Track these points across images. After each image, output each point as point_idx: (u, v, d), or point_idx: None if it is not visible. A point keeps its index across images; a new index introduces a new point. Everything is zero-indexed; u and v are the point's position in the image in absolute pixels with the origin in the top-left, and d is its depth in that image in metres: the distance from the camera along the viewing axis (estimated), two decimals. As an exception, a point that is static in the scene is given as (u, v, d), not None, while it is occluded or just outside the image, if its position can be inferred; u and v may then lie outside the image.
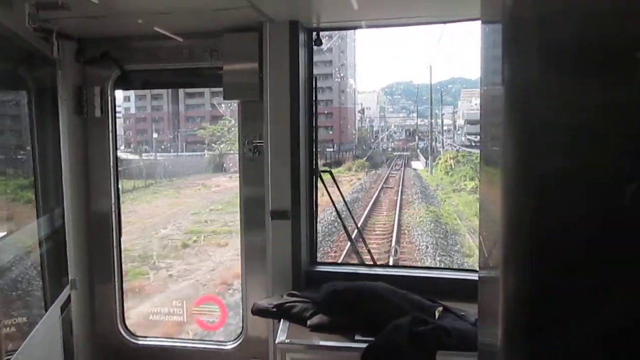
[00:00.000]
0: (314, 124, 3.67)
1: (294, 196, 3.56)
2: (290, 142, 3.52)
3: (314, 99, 3.66)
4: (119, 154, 4.03)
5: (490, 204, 1.72)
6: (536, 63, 1.42)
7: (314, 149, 3.67)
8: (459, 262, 10.04)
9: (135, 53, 3.88)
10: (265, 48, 3.54)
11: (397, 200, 14.70)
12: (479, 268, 1.99)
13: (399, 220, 12.85)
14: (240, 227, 3.80)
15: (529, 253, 1.46)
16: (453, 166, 29.19)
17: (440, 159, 41.59)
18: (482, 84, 1.86)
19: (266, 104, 3.50)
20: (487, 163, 1.85)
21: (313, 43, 3.75)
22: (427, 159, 45.66)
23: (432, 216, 13.12)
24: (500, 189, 1.52)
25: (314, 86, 3.67)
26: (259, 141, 3.70)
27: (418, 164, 51.14)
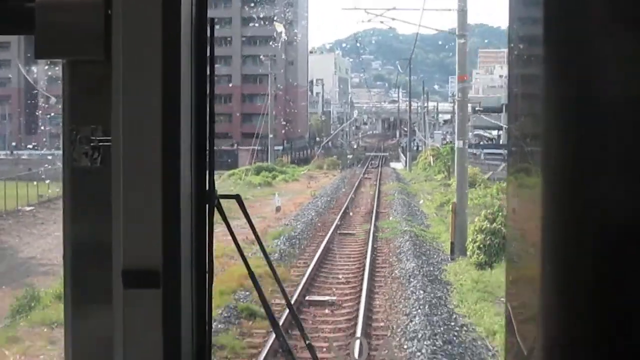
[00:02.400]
0: (207, 108, 3.03)
1: (169, 243, 2.86)
2: (162, 142, 2.83)
3: (207, 61, 3.01)
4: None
5: (524, 250, 1.59)
6: (601, 8, 1.32)
7: (208, 155, 3.03)
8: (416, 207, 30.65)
9: None
10: None
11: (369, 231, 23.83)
12: None
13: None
14: (65, 302, 3.09)
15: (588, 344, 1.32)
16: (432, 163, 39.98)
17: (420, 156, 51.80)
18: (510, 40, 1.76)
19: (117, 69, 2.81)
20: (519, 176, 1.70)
21: None
22: (406, 157, 54.24)
23: (402, 186, 39.52)
24: (538, 220, 1.39)
25: (207, 38, 3.01)
26: (103, 138, 2.99)
27: (398, 164, 59.77)
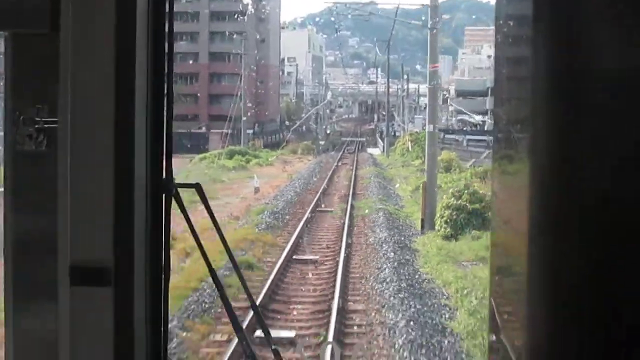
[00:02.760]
0: (165, 88, 3.08)
1: (121, 237, 2.94)
2: (115, 124, 2.90)
3: (165, 37, 3.07)
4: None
5: (509, 240, 1.65)
6: None
7: (166, 140, 3.09)
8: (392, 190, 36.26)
9: None
10: None
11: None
12: None
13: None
14: (5, 299, 3.17)
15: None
16: (410, 148, 45.39)
17: (399, 141, 57.11)
18: (498, 18, 1.84)
19: (65, 44, 2.90)
20: (503, 162, 1.78)
21: None
22: (383, 142, 59.86)
23: (378, 171, 46.26)
24: (525, 208, 1.45)
25: (166, 12, 3.07)
26: (49, 119, 3.09)
27: (375, 150, 65.43)
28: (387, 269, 17.81)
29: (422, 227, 24.41)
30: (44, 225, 3.04)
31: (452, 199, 23.47)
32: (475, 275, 17.32)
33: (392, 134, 69.14)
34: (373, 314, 14.58)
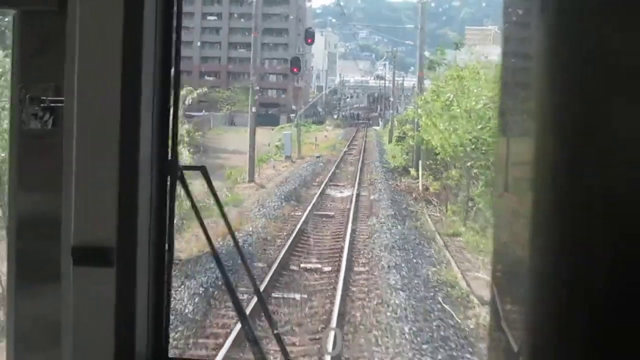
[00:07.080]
0: (172, 69, 3.31)
1: (125, 218, 3.20)
2: (121, 104, 3.11)
3: (174, 17, 3.30)
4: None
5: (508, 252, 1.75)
6: None
7: (172, 122, 3.32)
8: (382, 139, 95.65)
9: None
10: None
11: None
12: None
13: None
14: (8, 278, 3.46)
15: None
16: (396, 125, 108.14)
17: (390, 121, 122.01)
18: (505, 12, 2.02)
19: (73, 22, 3.09)
20: (502, 170, 1.92)
21: None
22: (382, 121, 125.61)
23: (377, 133, 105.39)
24: (530, 205, 1.56)
25: None
26: (55, 98, 3.31)
27: (377, 127, 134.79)
28: (375, 144, 77.49)
29: (389, 142, 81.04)
30: (48, 204, 3.30)
31: (397, 133, 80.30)
32: (395, 148, 74.43)
33: (389, 117, 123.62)
34: (371, 148, 73.15)
